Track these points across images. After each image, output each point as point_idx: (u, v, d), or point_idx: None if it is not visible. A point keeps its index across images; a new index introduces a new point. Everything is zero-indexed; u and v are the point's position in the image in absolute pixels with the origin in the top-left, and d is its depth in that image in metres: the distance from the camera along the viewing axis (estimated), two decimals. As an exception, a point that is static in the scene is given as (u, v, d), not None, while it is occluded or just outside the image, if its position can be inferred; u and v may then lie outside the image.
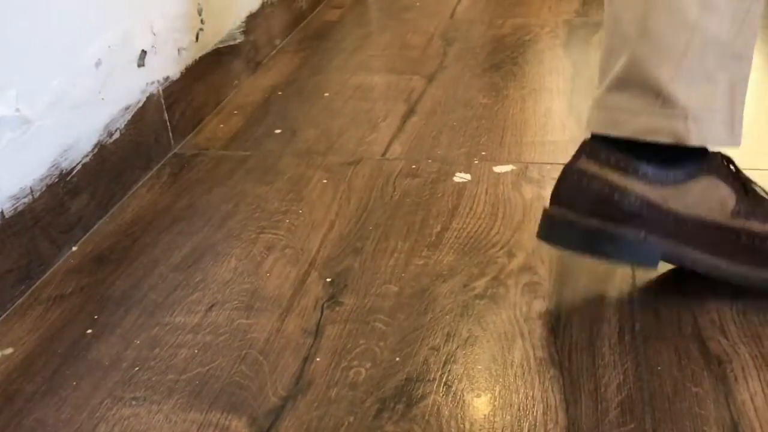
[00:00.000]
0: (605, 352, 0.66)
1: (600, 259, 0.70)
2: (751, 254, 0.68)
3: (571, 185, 0.68)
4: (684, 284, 0.73)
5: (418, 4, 1.60)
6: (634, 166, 0.66)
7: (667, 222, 0.67)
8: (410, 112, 1.13)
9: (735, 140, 0.66)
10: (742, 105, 0.66)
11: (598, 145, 0.68)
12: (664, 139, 0.65)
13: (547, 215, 0.70)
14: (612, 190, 0.66)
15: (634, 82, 0.66)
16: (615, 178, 0.66)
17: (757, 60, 0.64)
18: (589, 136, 0.70)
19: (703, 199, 0.67)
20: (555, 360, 0.66)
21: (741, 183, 0.69)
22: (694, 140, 0.65)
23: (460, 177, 0.95)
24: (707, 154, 0.68)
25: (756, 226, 0.68)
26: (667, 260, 0.70)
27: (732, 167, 0.70)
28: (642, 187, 0.66)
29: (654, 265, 0.69)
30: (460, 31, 1.43)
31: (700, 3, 0.62)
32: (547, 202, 0.71)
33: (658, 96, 0.64)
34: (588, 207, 0.67)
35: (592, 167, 0.67)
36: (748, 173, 0.71)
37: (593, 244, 0.68)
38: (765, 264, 0.69)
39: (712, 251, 0.68)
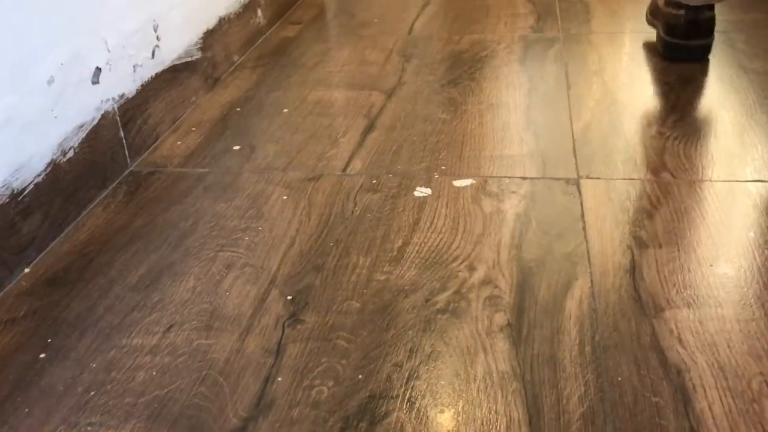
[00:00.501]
0: (566, 364, 0.67)
1: None
2: None
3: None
4: (641, 294, 0.74)
5: (376, 20, 1.61)
6: None
7: None
8: (370, 127, 1.13)
9: None
10: None
11: None
12: None
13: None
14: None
15: None
16: None
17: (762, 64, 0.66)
18: None
19: None
20: (517, 373, 0.66)
21: None
22: None
23: (421, 191, 0.95)
24: None
25: None
26: None
27: None
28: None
29: None
30: (418, 47, 1.44)
31: None
32: (508, 215, 0.71)
33: None
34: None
35: None
36: (728, 185, 0.72)
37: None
38: None
39: None
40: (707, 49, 1.26)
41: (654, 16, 1.35)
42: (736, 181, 0.93)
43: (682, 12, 1.19)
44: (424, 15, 1.63)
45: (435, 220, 0.89)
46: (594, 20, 1.52)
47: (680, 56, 1.25)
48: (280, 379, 0.67)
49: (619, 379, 0.65)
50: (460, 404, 0.63)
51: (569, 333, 0.70)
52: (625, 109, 1.13)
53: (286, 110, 1.20)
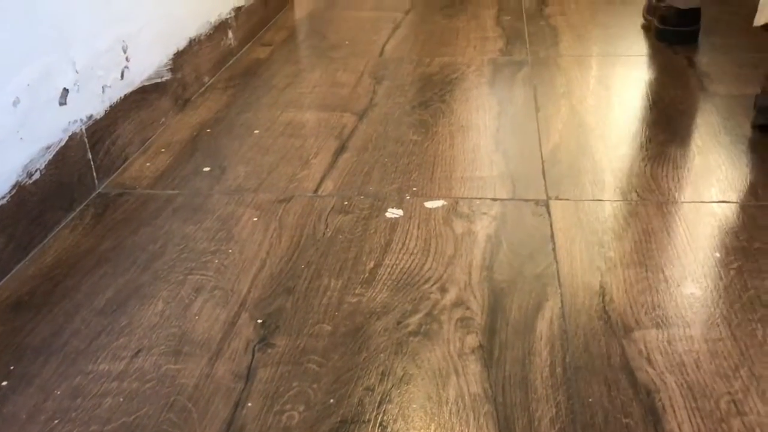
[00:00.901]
0: (537, 385, 0.67)
1: None
2: None
3: None
4: (611, 314, 0.75)
5: (347, 42, 1.62)
6: None
7: None
8: (342, 148, 1.14)
9: None
10: None
11: None
12: None
13: None
14: None
15: None
16: None
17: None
18: None
19: None
20: (489, 395, 0.66)
21: None
22: None
23: (393, 213, 0.96)
24: None
25: None
26: None
27: None
28: None
29: None
30: (389, 69, 1.45)
31: None
32: (479, 236, 0.71)
33: None
34: None
35: None
36: (694, 206, 0.73)
37: None
38: None
39: None
40: (695, 34, 1.50)
41: (649, 12, 1.59)
42: (702, 202, 0.94)
43: (673, 5, 1.45)
44: (394, 37, 1.64)
45: (407, 242, 0.89)
46: (562, 44, 1.55)
47: (673, 40, 1.50)
48: (250, 404, 0.66)
49: (590, 400, 0.65)
50: (432, 427, 0.63)
51: (540, 354, 0.70)
52: (592, 131, 1.15)
53: (257, 131, 1.20)
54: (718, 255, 0.84)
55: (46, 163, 0.92)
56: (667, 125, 1.16)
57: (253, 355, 0.72)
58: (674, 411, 0.63)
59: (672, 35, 1.50)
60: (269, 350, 0.72)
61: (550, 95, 1.29)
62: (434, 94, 1.33)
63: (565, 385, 0.66)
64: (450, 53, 1.53)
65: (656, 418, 0.63)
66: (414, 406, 0.65)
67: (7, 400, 0.67)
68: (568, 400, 0.65)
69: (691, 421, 0.62)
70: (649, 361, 0.69)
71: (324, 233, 0.92)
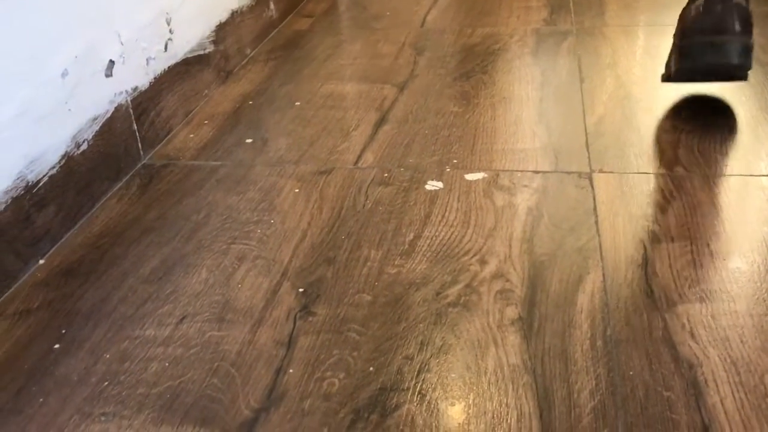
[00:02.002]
0: (578, 357, 0.66)
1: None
2: None
3: None
4: (654, 288, 0.74)
5: (388, 13, 1.60)
6: None
7: None
8: (382, 120, 1.13)
9: None
10: None
11: None
12: None
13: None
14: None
15: None
16: None
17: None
18: None
19: None
20: (528, 367, 0.66)
21: None
22: None
23: (432, 185, 0.95)
24: None
25: None
26: None
27: None
28: None
29: None
30: (430, 40, 1.44)
31: None
32: (519, 209, 0.71)
33: None
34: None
35: None
36: (742, 179, 0.71)
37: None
38: None
39: None
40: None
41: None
42: (751, 175, 0.92)
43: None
44: (436, 8, 1.62)
45: (446, 214, 0.89)
46: (608, 13, 1.51)
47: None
48: (291, 370, 0.67)
49: (631, 373, 0.65)
50: (471, 397, 0.63)
51: (580, 327, 0.70)
52: (638, 103, 1.12)
53: (298, 103, 1.21)
54: (766, 229, 0.82)
55: (93, 134, 0.94)
56: (715, 97, 1.13)
57: (295, 323, 0.73)
58: (717, 385, 0.63)
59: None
60: (310, 318, 0.73)
61: (595, 66, 1.26)
62: (476, 65, 1.31)
63: (605, 358, 0.66)
64: (492, 23, 1.51)
65: (698, 391, 0.62)
66: (453, 375, 0.66)
67: (59, 362, 0.70)
68: (608, 372, 0.65)
69: (734, 395, 0.62)
70: (692, 335, 0.68)
71: (364, 205, 0.92)
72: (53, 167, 0.87)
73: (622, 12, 1.51)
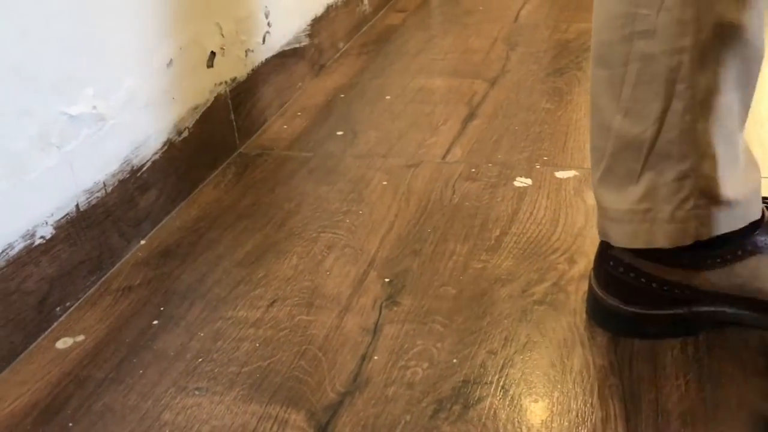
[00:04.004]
0: (667, 362, 0.65)
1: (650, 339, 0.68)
2: None
3: (608, 273, 0.67)
4: (752, 296, 0.71)
5: (481, 8, 1.60)
6: (669, 254, 0.64)
7: (715, 297, 0.65)
8: (471, 115, 1.13)
9: (666, 240, 0.62)
10: (684, 204, 0.61)
11: None
12: (602, 237, 0.66)
13: (592, 295, 0.70)
14: (649, 280, 0.65)
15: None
16: (650, 267, 0.65)
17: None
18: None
19: (753, 279, 0.64)
20: (615, 368, 0.65)
21: None
22: (615, 240, 0.64)
23: (521, 181, 0.95)
24: (750, 234, 0.63)
25: None
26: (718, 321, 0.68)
27: None
28: (681, 273, 0.64)
29: (703, 330, 0.67)
30: (523, 36, 1.43)
31: (619, 108, 0.61)
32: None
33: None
34: (627, 296, 0.67)
35: (626, 256, 0.65)
36: None
37: (638, 329, 0.67)
38: None
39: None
40: None
41: None
42: None
43: None
44: (530, 2, 1.60)
45: (535, 211, 0.88)
46: (711, 9, 1.45)
47: None
48: (376, 357, 0.68)
49: (723, 380, 0.62)
50: (555, 395, 0.63)
51: (671, 331, 0.68)
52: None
53: (388, 97, 1.22)
54: None
55: (193, 122, 0.99)
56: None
57: (380, 312, 0.74)
58: (817, 400, 0.60)
59: None
60: (395, 308, 0.74)
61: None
62: (570, 61, 1.29)
63: (696, 364, 0.64)
64: (588, 19, 1.47)
65: (796, 405, 0.60)
66: (537, 372, 0.65)
67: (157, 337, 0.74)
68: (699, 379, 0.63)
69: (836, 411, 0.59)
70: (791, 346, 0.65)
71: (451, 199, 0.93)
72: (156, 153, 0.92)
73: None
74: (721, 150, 0.60)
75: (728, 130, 0.60)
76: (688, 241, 0.61)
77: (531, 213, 0.88)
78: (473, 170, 0.98)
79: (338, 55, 1.41)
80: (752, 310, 0.65)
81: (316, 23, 1.32)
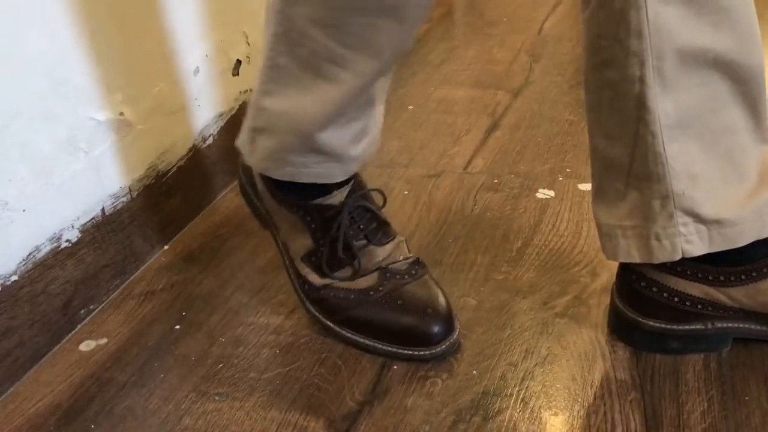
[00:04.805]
0: (689, 378, 0.64)
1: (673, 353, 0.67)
2: None
3: (630, 287, 0.67)
4: (776, 313, 0.70)
5: (505, 19, 1.60)
6: (693, 269, 0.64)
7: (739, 313, 0.65)
8: (494, 126, 1.13)
9: (653, 256, 0.62)
10: (669, 221, 0.61)
11: None
12: (605, 253, 0.66)
13: (614, 309, 0.70)
14: (671, 295, 0.65)
15: None
16: (672, 281, 0.65)
17: None
18: None
19: None
20: (637, 383, 0.64)
21: None
22: (609, 256, 0.65)
23: (544, 193, 0.95)
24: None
25: None
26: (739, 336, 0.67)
27: None
28: (703, 289, 0.64)
29: (726, 346, 0.67)
30: (547, 47, 1.43)
31: (601, 131, 0.62)
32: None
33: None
34: (649, 310, 0.66)
35: (648, 270, 0.66)
36: None
37: (660, 344, 0.67)
38: None
39: None
40: None
41: None
42: None
43: None
44: (555, 14, 1.60)
45: (557, 223, 0.88)
46: None
47: None
48: (395, 367, 0.68)
49: (746, 398, 0.62)
50: (576, 408, 0.62)
51: (694, 347, 0.67)
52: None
53: (411, 107, 1.22)
54: None
55: (218, 129, 1.00)
56: None
57: (400, 322, 0.74)
58: (843, 420, 0.59)
59: None
60: (416, 318, 0.74)
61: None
62: (593, 74, 1.28)
63: (719, 381, 0.64)
64: (612, 32, 1.47)
65: (822, 425, 0.59)
66: (558, 385, 0.65)
67: (179, 342, 0.74)
68: (722, 396, 0.62)
69: None
70: (817, 364, 0.64)
71: (472, 210, 0.93)
72: (182, 159, 0.93)
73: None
74: (707, 169, 0.60)
75: (726, 147, 0.60)
76: (677, 258, 0.62)
77: (553, 225, 0.88)
78: (495, 181, 0.98)
79: (361, 64, 1.42)
80: None
81: (341, 32, 1.33)
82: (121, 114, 0.83)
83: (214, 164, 0.99)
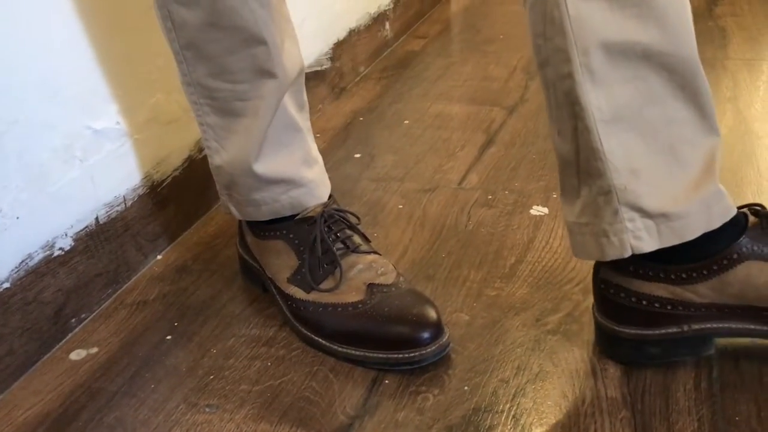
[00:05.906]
0: (680, 397, 0.64)
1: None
2: None
3: (602, 296, 0.67)
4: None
5: (501, 36, 1.61)
6: (655, 270, 0.64)
7: (714, 311, 0.65)
8: (489, 142, 1.14)
9: (605, 253, 0.62)
10: (614, 217, 0.61)
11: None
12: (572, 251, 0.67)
13: (595, 322, 0.70)
14: (639, 299, 0.65)
15: None
16: (636, 285, 0.65)
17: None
18: None
19: (747, 286, 0.63)
20: (627, 401, 0.64)
21: None
22: (574, 253, 0.66)
23: (537, 210, 0.95)
24: (734, 242, 0.63)
25: None
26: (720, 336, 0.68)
27: None
28: (670, 289, 0.64)
29: (709, 350, 0.67)
30: (542, 66, 1.43)
31: (555, 128, 0.64)
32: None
33: None
34: (621, 317, 0.67)
35: (612, 276, 0.66)
36: None
37: (640, 352, 0.67)
38: None
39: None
40: None
41: None
42: None
43: None
44: (550, 34, 1.61)
45: (551, 240, 0.88)
46: (730, 46, 1.46)
47: None
48: (386, 381, 0.68)
49: (737, 418, 0.62)
50: (566, 426, 0.62)
51: (685, 366, 0.68)
52: (759, 140, 1.08)
53: (406, 122, 1.23)
54: None
55: (214, 140, 1.00)
56: None
57: (393, 336, 0.74)
58: (832, 442, 0.59)
59: None
60: (408, 333, 0.74)
61: (715, 99, 1.21)
62: (588, 92, 1.29)
63: (710, 401, 0.64)
64: (607, 52, 1.48)
65: (811, 446, 0.59)
66: (549, 402, 0.65)
67: (170, 352, 0.74)
68: (713, 415, 0.62)
69: None
70: (807, 386, 0.65)
71: (466, 225, 0.93)
72: (176, 169, 0.93)
73: (746, 45, 1.46)
74: (649, 163, 0.60)
75: (668, 140, 0.60)
76: (627, 254, 0.62)
77: (547, 242, 0.88)
78: (489, 197, 0.99)
79: (358, 78, 1.43)
80: (757, 321, 0.65)
81: (338, 47, 1.34)
82: (118, 123, 0.83)
83: (207, 176, 0.99)
